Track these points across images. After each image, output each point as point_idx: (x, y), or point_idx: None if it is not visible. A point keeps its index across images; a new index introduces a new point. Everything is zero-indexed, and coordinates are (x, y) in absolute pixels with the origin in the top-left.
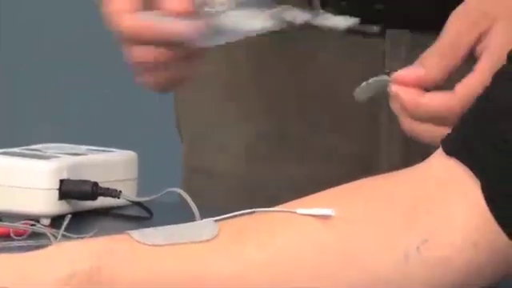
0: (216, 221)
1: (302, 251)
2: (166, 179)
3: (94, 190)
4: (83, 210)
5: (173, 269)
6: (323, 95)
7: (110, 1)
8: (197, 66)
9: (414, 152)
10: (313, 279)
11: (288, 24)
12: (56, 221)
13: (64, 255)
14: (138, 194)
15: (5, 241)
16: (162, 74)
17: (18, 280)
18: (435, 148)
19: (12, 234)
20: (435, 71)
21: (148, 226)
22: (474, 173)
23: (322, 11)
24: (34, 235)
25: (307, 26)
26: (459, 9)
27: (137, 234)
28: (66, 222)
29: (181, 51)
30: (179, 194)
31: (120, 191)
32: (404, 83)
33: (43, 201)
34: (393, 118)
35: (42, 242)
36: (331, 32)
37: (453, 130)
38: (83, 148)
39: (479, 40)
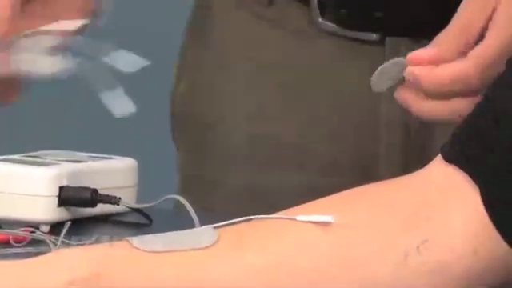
0: (215, 227)
1: (301, 258)
2: (165, 186)
3: (94, 197)
4: (83, 216)
5: (172, 275)
6: (322, 104)
7: None
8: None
9: (412, 160)
10: (312, 285)
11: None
12: (55, 228)
13: (63, 262)
14: (138, 201)
15: (4, 247)
16: None
17: (18, 286)
18: (435, 156)
19: (11, 241)
20: (448, 50)
21: (147, 233)
22: (473, 179)
23: (320, 19)
24: (34, 242)
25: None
26: None
27: (136, 240)
28: (65, 229)
29: None
30: (178, 201)
31: (119, 198)
32: (418, 63)
33: (43, 208)
34: (391, 128)
35: (42, 248)
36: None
37: (451, 137)
38: (83, 155)
39: (488, 21)
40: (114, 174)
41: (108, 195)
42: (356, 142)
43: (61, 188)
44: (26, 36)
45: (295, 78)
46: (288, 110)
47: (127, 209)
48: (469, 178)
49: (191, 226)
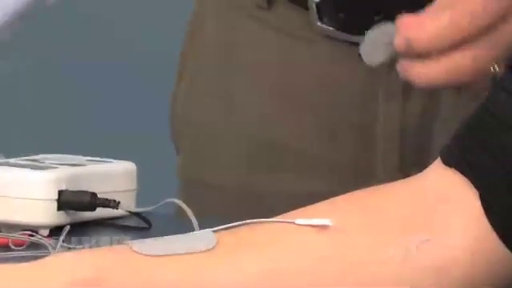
0: (214, 231)
1: (300, 261)
2: (164, 190)
3: (93, 201)
4: (82, 220)
5: (171, 279)
6: (321, 108)
7: None
8: None
9: (410, 163)
10: None
11: None
12: (55, 231)
13: (63, 265)
14: (137, 205)
15: (3, 251)
16: None
17: None
18: (433, 159)
19: (11, 245)
20: (435, 13)
21: (147, 237)
22: (472, 183)
23: (319, 23)
24: (33, 246)
25: None
26: None
27: (136, 244)
28: (64, 233)
29: None
30: (178, 205)
31: (119, 202)
32: (407, 27)
33: (42, 211)
34: (389, 131)
35: (41, 252)
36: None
37: (451, 141)
38: (82, 159)
39: None
40: (113, 177)
41: (107, 199)
42: (354, 145)
43: (60, 192)
44: None
45: (294, 82)
46: (287, 113)
47: (126, 213)
48: (468, 182)
49: (190, 229)
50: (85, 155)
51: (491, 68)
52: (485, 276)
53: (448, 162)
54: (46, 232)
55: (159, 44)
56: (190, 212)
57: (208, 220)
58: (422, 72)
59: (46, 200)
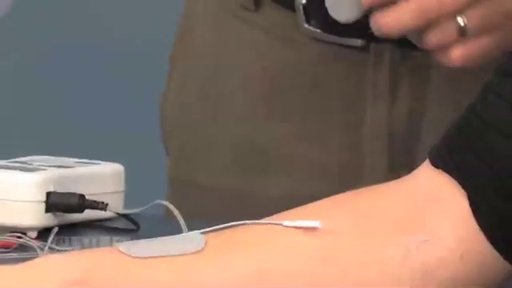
0: (203, 233)
1: (288, 263)
2: (152, 192)
3: (81, 203)
4: (70, 222)
5: (159, 281)
6: (309, 109)
7: None
8: None
9: (398, 165)
10: None
11: None
12: (43, 233)
13: (51, 268)
14: (125, 207)
15: None
16: None
17: None
18: (421, 160)
19: None
20: None
21: (135, 239)
22: (460, 185)
23: (306, 25)
24: (21, 248)
25: None
26: None
27: (124, 246)
28: (52, 235)
29: None
30: (166, 207)
31: (107, 204)
32: None
33: (30, 213)
34: (377, 133)
35: (29, 254)
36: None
37: (439, 142)
38: (70, 160)
39: None
40: (101, 179)
41: (95, 201)
42: (341, 147)
43: (48, 194)
44: None
45: (281, 83)
46: (275, 115)
47: (114, 214)
48: (456, 183)
49: (179, 231)
50: (73, 157)
51: (457, 19)
52: (474, 276)
53: (436, 163)
54: (34, 234)
55: (149, 45)
56: (178, 214)
57: (196, 222)
58: (394, 18)
59: (34, 202)
